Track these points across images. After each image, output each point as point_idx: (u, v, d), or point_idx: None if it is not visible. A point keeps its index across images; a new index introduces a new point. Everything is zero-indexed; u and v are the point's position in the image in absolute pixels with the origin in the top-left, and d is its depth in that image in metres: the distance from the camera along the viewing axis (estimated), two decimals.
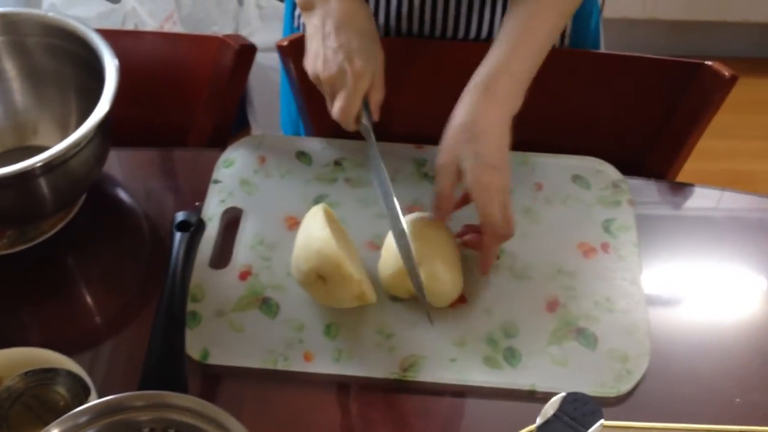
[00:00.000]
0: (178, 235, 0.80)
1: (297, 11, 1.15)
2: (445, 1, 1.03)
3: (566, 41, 1.07)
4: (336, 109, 0.88)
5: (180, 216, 0.82)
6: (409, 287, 0.85)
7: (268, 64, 1.89)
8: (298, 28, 1.15)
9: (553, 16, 0.90)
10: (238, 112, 2.20)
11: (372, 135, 0.90)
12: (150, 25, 1.96)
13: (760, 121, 2.27)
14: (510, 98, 0.86)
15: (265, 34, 2.04)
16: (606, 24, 1.19)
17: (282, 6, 2.05)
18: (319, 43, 0.89)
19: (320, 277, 0.82)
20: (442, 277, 0.85)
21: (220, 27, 2.07)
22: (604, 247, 0.92)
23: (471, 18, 1.05)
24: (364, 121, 0.90)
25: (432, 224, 0.88)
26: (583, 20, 1.07)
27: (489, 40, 1.05)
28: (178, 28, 2.00)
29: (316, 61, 0.89)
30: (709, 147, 2.12)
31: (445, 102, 1.09)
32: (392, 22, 1.07)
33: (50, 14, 0.95)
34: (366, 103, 0.89)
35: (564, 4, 0.91)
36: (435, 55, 1.08)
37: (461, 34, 1.06)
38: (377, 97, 0.90)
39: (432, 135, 1.01)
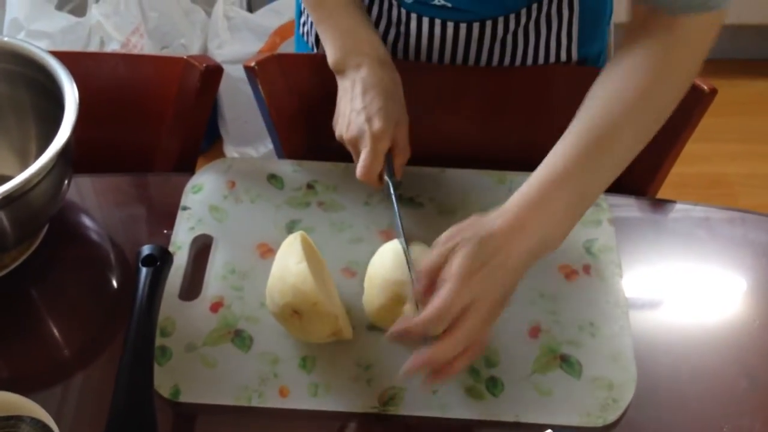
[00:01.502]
0: (143, 271, 0.77)
1: (302, 18, 1.13)
2: (468, 33, 1.01)
3: (574, 60, 1.05)
4: (358, 168, 0.88)
5: (145, 250, 0.78)
6: (395, 320, 0.81)
7: (237, 75, 1.85)
8: (303, 36, 1.12)
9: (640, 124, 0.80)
10: (209, 125, 2.17)
11: (393, 194, 0.89)
12: (116, 38, 1.92)
13: (737, 123, 2.27)
14: (562, 218, 0.76)
15: (234, 45, 2.01)
16: None
17: (251, 17, 2.03)
18: (346, 104, 0.91)
19: (296, 312, 0.79)
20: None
21: (187, 39, 2.04)
22: (586, 269, 0.90)
23: (493, 52, 1.03)
24: (387, 177, 0.90)
25: (421, 249, 0.86)
26: (593, 27, 1.06)
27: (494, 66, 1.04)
28: (144, 41, 1.96)
29: (342, 122, 0.91)
30: (686, 150, 2.12)
31: (424, 123, 1.07)
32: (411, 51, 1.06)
33: (5, 38, 0.91)
34: (390, 162, 0.90)
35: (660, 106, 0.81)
36: (418, 77, 1.05)
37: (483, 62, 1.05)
38: (401, 159, 0.91)
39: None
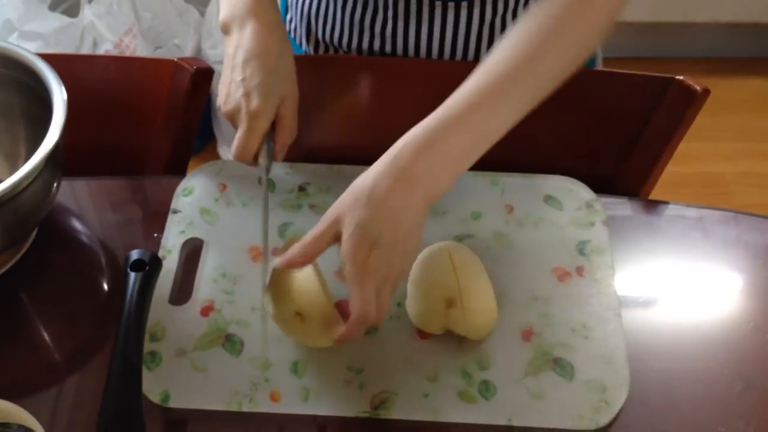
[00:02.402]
0: (132, 276, 0.76)
1: (288, 15, 1.12)
2: (456, 15, 1.00)
3: None
4: (232, 146, 0.84)
5: (134, 255, 0.78)
6: (442, 323, 0.82)
7: None
8: (290, 33, 1.11)
9: (568, 49, 0.78)
10: (203, 126, 2.17)
11: (266, 178, 0.86)
12: (109, 39, 1.91)
13: (731, 121, 2.27)
14: (452, 162, 0.76)
15: None
16: None
17: None
18: (228, 74, 0.86)
19: (298, 315, 0.78)
20: (477, 307, 0.81)
21: (181, 39, 2.03)
22: (579, 270, 0.89)
23: (481, 37, 1.02)
24: (261, 160, 0.85)
25: (464, 251, 0.85)
26: None
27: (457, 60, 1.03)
28: (138, 42, 1.95)
29: (221, 92, 0.86)
30: (681, 150, 2.12)
31: (415, 122, 1.06)
32: (376, 42, 1.04)
33: None
34: (269, 142, 0.86)
35: (588, 32, 0.79)
36: (407, 74, 1.05)
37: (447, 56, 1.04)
38: (284, 139, 0.87)
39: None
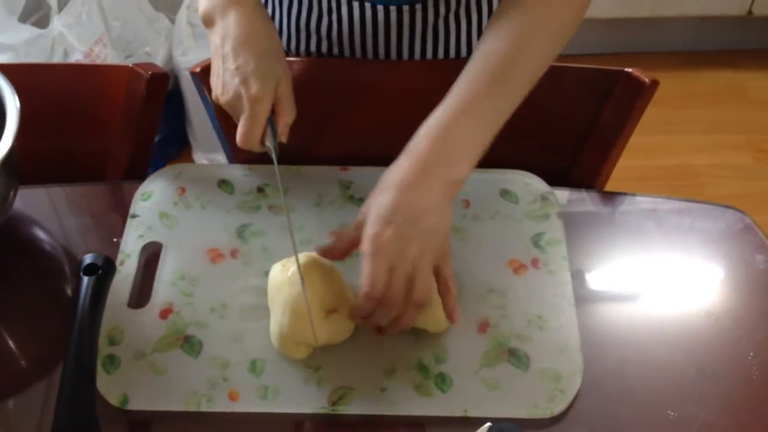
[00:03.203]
0: (85, 280, 0.77)
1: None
2: (399, 17, 1.01)
3: None
4: (237, 134, 0.84)
5: (87, 259, 0.78)
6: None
7: None
8: None
9: (545, 44, 0.83)
10: (177, 133, 2.17)
11: (275, 157, 0.86)
12: (79, 49, 1.92)
13: (700, 114, 2.29)
14: (465, 149, 0.79)
15: (199, 52, 2.01)
16: None
17: None
18: (219, 64, 0.86)
19: (332, 311, 0.81)
20: (437, 300, 0.82)
21: (152, 47, 2.04)
22: (534, 262, 0.90)
23: (426, 39, 1.03)
24: (268, 143, 0.85)
25: None
26: None
27: (429, 60, 1.04)
28: (108, 51, 1.96)
29: (216, 84, 0.86)
30: (651, 143, 2.14)
31: (372, 122, 1.07)
32: (345, 44, 1.05)
33: None
34: (273, 124, 0.86)
35: (561, 25, 0.83)
36: (361, 75, 1.06)
37: (417, 55, 1.05)
38: (285, 119, 0.86)
39: (358, 155, 1.00)
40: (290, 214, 0.95)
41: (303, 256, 0.84)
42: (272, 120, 0.85)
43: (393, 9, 0.99)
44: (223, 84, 0.84)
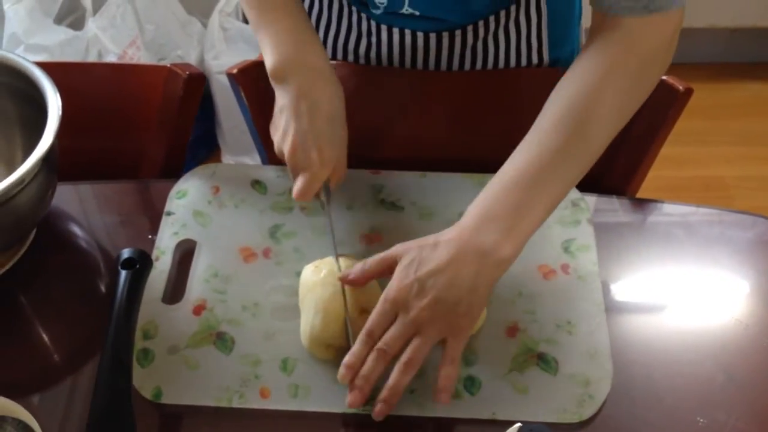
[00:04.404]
0: (123, 274, 0.78)
1: None
2: (438, 42, 1.02)
3: (545, 62, 1.06)
4: (295, 190, 0.87)
5: (125, 253, 0.80)
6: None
7: None
8: None
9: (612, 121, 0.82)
10: (207, 135, 2.20)
11: (328, 211, 0.90)
12: (113, 51, 1.94)
13: (731, 126, 2.28)
14: (515, 228, 0.78)
15: (231, 56, 2.03)
16: None
17: (246, 28, 2.05)
18: (289, 121, 0.88)
19: (365, 311, 0.81)
20: None
21: (184, 50, 2.06)
22: (564, 268, 0.91)
23: (464, 59, 1.04)
24: (322, 197, 0.90)
25: None
26: (563, 29, 1.07)
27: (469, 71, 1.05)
28: (141, 54, 1.98)
29: (284, 139, 0.88)
30: (680, 154, 2.13)
31: (405, 128, 1.08)
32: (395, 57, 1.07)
33: None
34: (326, 182, 0.90)
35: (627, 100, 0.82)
36: (396, 82, 1.07)
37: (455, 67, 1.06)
38: (338, 179, 0.91)
39: (390, 159, 1.01)
40: (322, 217, 0.96)
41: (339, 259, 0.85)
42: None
43: (432, 35, 1.01)
44: (293, 143, 0.87)
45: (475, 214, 0.79)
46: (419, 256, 0.77)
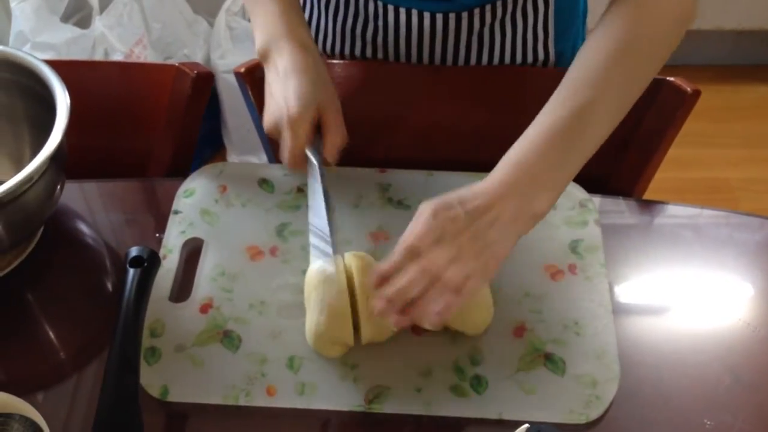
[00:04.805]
0: (131, 272, 0.78)
1: None
2: (445, 25, 1.02)
3: (551, 55, 1.06)
4: (280, 152, 0.88)
5: (133, 251, 0.80)
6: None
7: None
8: None
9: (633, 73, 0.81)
10: (212, 134, 2.20)
11: (317, 175, 0.89)
12: (119, 49, 1.95)
13: (736, 128, 2.28)
14: (548, 182, 0.79)
15: (237, 55, 2.03)
16: None
17: None
18: (269, 94, 0.90)
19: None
20: (474, 302, 0.83)
21: (190, 50, 2.06)
22: (572, 268, 0.91)
23: (470, 47, 1.04)
24: (311, 156, 0.89)
25: None
26: (569, 21, 1.07)
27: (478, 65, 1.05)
28: (148, 52, 1.98)
29: (266, 110, 0.89)
30: (686, 156, 2.13)
31: (411, 126, 1.08)
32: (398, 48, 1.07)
33: (0, 48, 0.93)
34: (318, 146, 0.89)
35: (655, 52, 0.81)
36: (402, 78, 1.07)
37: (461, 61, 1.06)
38: (331, 139, 0.89)
39: (397, 158, 1.01)
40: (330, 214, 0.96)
41: (346, 256, 0.85)
42: (318, 140, 0.89)
43: (439, 16, 1.01)
44: (267, 107, 0.88)
45: (510, 170, 0.78)
46: (459, 196, 0.76)
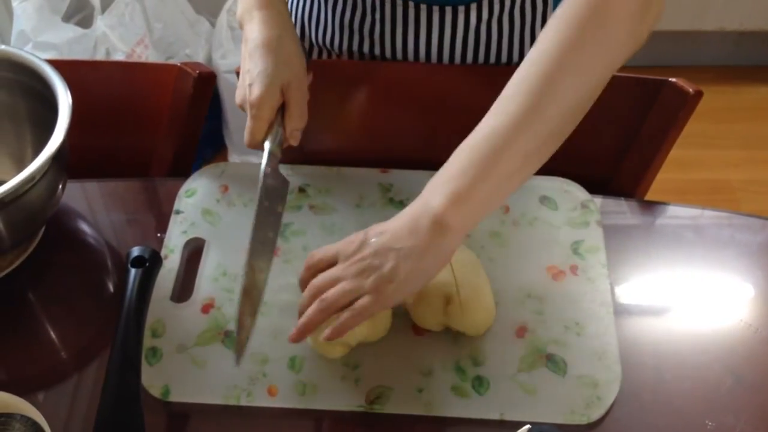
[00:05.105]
0: (132, 272, 0.78)
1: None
2: (441, 19, 1.02)
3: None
4: (245, 134, 0.87)
5: (135, 251, 0.80)
6: (440, 320, 0.84)
7: None
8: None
9: (585, 72, 0.76)
10: (214, 134, 2.20)
11: (266, 160, 0.87)
12: (121, 49, 1.95)
13: (738, 129, 2.27)
14: (478, 209, 0.75)
15: (238, 55, 2.02)
16: None
17: None
18: (242, 68, 0.89)
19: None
20: (476, 304, 0.83)
21: (192, 50, 2.06)
22: (573, 269, 0.90)
23: (467, 42, 1.04)
24: (267, 142, 0.88)
25: (461, 250, 0.87)
26: None
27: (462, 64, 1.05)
28: (149, 52, 1.99)
29: (238, 85, 0.89)
30: (687, 157, 2.13)
31: (413, 125, 1.08)
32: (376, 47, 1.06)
33: (2, 47, 0.93)
34: (280, 129, 0.88)
35: (601, 60, 0.76)
36: (403, 78, 1.07)
37: (446, 59, 1.06)
38: (293, 125, 0.88)
39: (399, 158, 1.01)
40: (330, 215, 0.96)
41: None
42: (281, 124, 0.88)
43: (436, 9, 1.00)
44: (240, 83, 0.88)
45: (430, 183, 0.76)
46: (374, 226, 0.78)
